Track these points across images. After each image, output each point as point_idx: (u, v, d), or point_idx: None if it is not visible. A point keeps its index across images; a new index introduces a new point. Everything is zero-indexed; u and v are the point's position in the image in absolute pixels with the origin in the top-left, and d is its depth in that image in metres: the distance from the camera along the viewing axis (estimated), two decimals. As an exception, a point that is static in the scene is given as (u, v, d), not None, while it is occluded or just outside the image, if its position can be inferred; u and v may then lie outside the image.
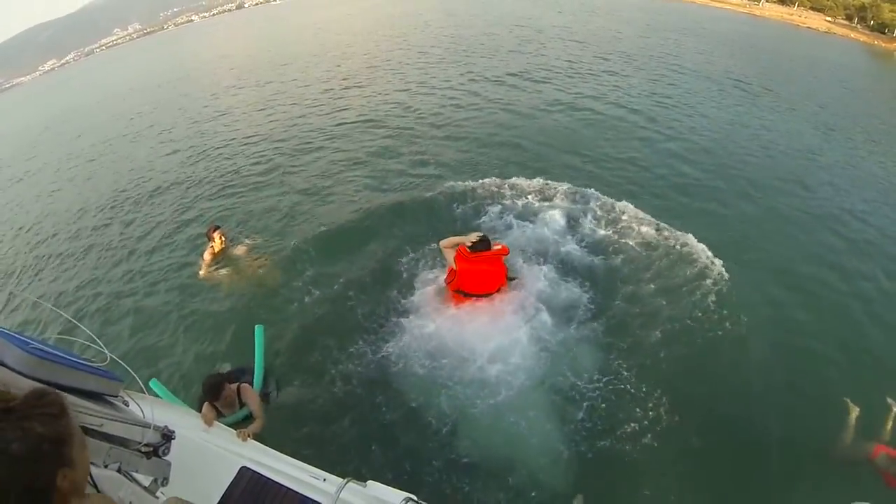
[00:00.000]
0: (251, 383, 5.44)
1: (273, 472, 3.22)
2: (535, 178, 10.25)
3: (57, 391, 1.48)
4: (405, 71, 21.31)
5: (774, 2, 57.30)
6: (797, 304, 7.42)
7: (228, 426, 4.46)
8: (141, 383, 3.78)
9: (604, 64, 20.43)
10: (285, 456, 3.37)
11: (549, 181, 10.11)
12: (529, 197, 9.70)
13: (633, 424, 5.41)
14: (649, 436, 5.33)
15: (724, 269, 7.45)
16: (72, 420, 1.44)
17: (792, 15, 51.28)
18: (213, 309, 7.63)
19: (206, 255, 8.14)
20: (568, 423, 5.50)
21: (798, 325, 7.07)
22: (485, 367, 6.06)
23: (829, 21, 50.02)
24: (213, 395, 4.85)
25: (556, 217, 8.81)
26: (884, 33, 46.30)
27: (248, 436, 3.55)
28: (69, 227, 12.88)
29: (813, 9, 54.62)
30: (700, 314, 6.84)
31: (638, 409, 5.58)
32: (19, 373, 1.86)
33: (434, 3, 49.86)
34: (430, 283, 7.52)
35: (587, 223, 8.78)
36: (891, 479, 4.90)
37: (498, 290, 7.00)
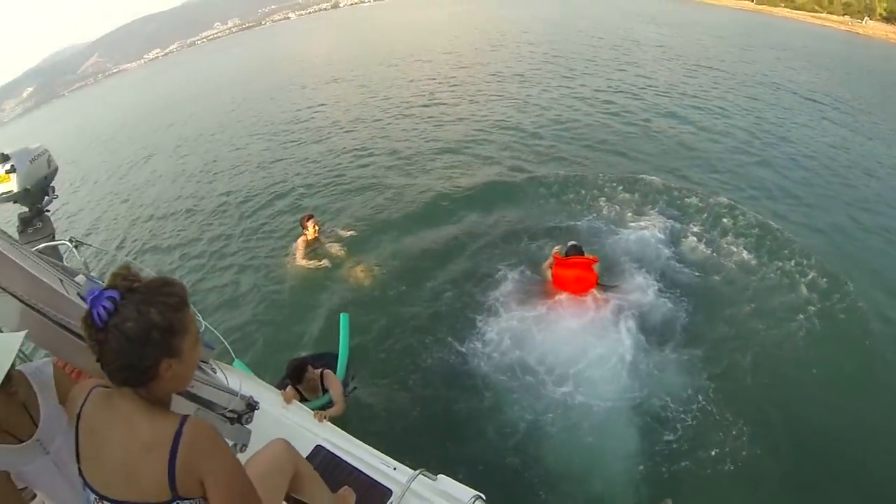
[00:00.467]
0: (334, 370, 5.51)
1: (346, 454, 3.25)
2: (637, 186, 10.25)
3: (183, 284, 1.54)
4: (506, 77, 21.33)
5: (879, 20, 54.06)
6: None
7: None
8: (232, 353, 4.02)
9: (708, 79, 19.99)
10: (359, 441, 3.39)
11: (651, 191, 10.00)
12: (632, 205, 9.64)
13: (714, 450, 5.21)
14: (730, 464, 5.11)
15: (828, 297, 7.14)
16: (189, 315, 1.51)
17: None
18: (299, 295, 7.78)
19: (299, 243, 8.26)
20: (648, 440, 5.34)
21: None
22: (569, 373, 5.97)
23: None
24: (297, 378, 4.94)
25: (657, 228, 8.67)
26: None
27: (325, 417, 3.64)
28: (170, 203, 13.54)
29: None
30: (801, 343, 6.50)
31: (721, 435, 5.36)
32: None
33: (531, 11, 49.49)
34: (520, 285, 7.51)
35: (689, 237, 8.63)
36: None
37: (589, 294, 7.05)
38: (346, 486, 2.97)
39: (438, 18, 56.81)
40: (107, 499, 1.47)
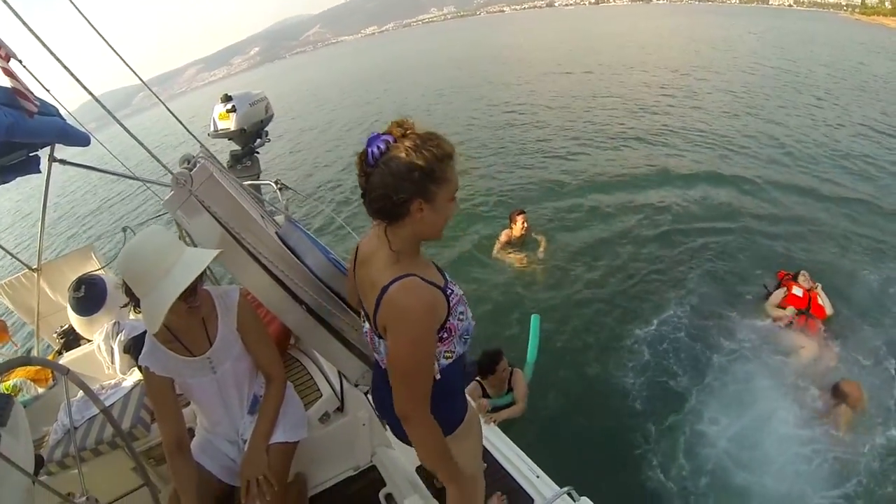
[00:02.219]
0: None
1: (496, 451, 3.23)
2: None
3: (451, 143, 1.62)
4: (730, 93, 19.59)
5: None
6: None
7: (493, 409, 4.59)
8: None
9: None
10: (512, 443, 3.36)
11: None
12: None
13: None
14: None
15: None
16: (451, 169, 1.59)
17: None
18: (489, 289, 7.53)
19: (502, 236, 8.02)
20: None
21: None
22: (777, 411, 5.39)
23: None
24: (490, 369, 4.75)
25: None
26: None
27: (495, 421, 3.44)
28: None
29: None
30: None
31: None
32: (313, 273, 2.07)
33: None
34: (732, 305, 6.96)
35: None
36: None
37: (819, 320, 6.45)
38: (499, 493, 2.96)
39: (662, 28, 55.05)
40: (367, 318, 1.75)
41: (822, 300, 6.55)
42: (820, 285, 6.69)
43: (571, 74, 25.71)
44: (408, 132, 1.55)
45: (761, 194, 10.40)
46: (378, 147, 1.53)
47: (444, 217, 1.67)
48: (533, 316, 5.89)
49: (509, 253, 7.96)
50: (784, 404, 5.57)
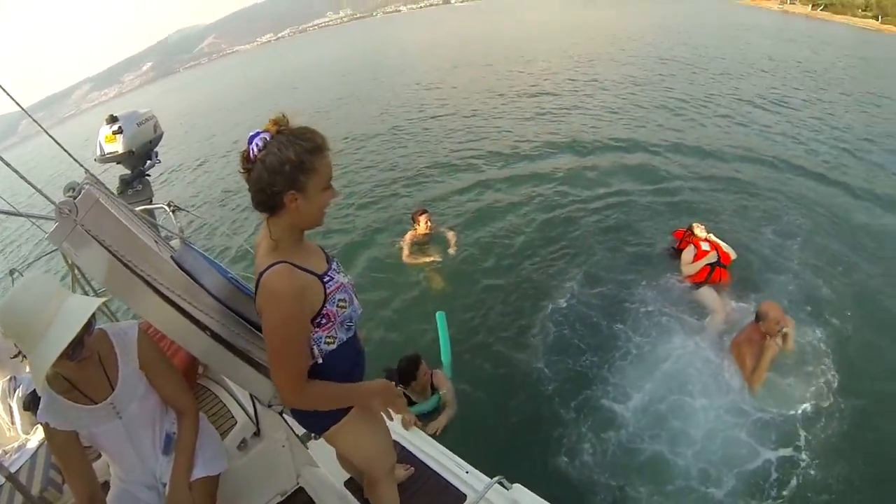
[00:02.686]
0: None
1: (422, 452, 3.24)
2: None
3: (323, 136, 1.72)
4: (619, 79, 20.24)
5: None
6: None
7: (420, 416, 4.48)
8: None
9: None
10: (436, 441, 3.37)
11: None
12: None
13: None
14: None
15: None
16: (322, 160, 1.69)
17: None
18: (399, 293, 7.34)
19: (407, 238, 7.80)
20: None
21: None
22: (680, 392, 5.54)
23: None
24: (410, 376, 4.65)
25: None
26: None
27: (437, 431, 3.42)
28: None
29: None
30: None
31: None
32: (213, 295, 2.00)
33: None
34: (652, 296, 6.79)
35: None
36: None
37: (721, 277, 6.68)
38: (405, 465, 3.11)
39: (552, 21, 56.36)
40: None
41: (725, 247, 6.91)
42: (713, 234, 7.09)
43: (468, 69, 26.24)
44: (282, 128, 1.65)
45: (651, 163, 10.89)
46: (256, 144, 1.62)
47: (319, 206, 1.76)
48: (438, 314, 5.87)
49: (418, 254, 7.83)
50: (707, 363, 5.75)
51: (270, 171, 1.60)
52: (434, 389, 4.88)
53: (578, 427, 5.01)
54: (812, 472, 4.74)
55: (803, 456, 4.90)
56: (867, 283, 7.38)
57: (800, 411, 5.33)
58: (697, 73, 21.00)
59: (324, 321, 1.82)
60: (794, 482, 4.72)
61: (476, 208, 9.68)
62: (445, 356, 5.51)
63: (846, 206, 9.78)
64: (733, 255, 6.88)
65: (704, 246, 6.77)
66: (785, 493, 4.62)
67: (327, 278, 1.83)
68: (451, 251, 7.79)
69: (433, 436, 4.25)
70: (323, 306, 1.80)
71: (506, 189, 10.50)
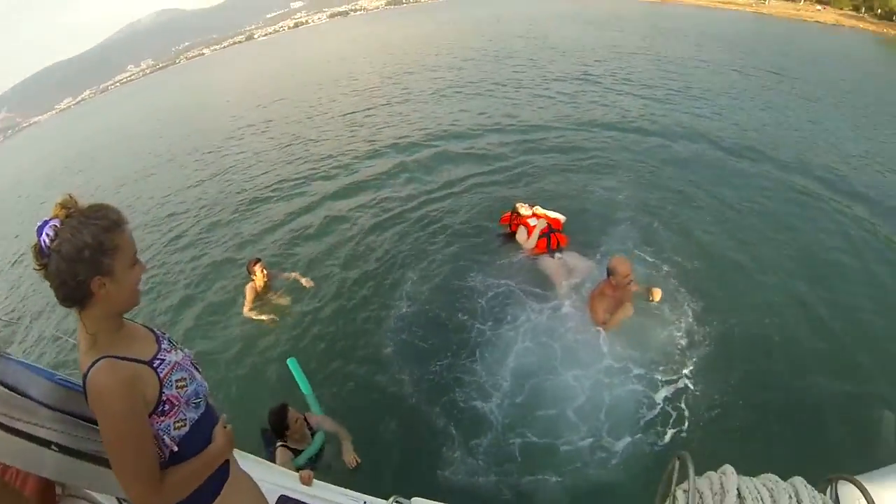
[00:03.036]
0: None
1: (314, 498, 3.13)
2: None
3: (117, 210, 1.64)
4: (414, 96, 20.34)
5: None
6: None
7: (309, 461, 4.51)
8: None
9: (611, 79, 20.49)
10: (324, 483, 3.29)
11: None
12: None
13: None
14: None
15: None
16: (122, 236, 1.61)
17: (799, 10, 50.73)
18: (250, 346, 7.09)
19: (248, 292, 7.47)
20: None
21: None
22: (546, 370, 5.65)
23: (838, 13, 49.37)
24: (282, 427, 4.50)
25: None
26: (892, 20, 45.59)
27: (311, 479, 3.36)
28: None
29: (819, 1, 53.86)
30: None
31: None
32: (45, 405, 1.85)
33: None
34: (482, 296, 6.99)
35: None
36: None
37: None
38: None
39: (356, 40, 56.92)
40: None
41: (552, 214, 7.48)
42: (538, 206, 7.61)
43: (281, 102, 26.48)
44: (72, 211, 1.54)
45: (471, 152, 12.10)
46: (47, 234, 1.50)
47: (131, 285, 1.67)
48: (288, 361, 5.77)
49: (262, 306, 7.56)
50: (568, 329, 6.11)
51: (69, 261, 1.49)
52: (313, 431, 4.82)
53: (452, 431, 5.18)
54: (697, 395, 5.30)
55: (684, 385, 5.44)
56: (691, 220, 8.47)
57: (672, 347, 5.86)
58: (501, 61, 22.48)
59: (167, 408, 1.70)
60: (682, 410, 5.21)
61: (304, 235, 9.68)
62: (310, 397, 5.42)
63: (659, 154, 11.00)
64: (563, 219, 7.50)
65: (532, 221, 7.31)
66: (677, 421, 5.11)
67: (157, 362, 1.73)
68: (304, 283, 7.60)
69: (355, 467, 4.61)
70: (161, 393, 1.69)
71: (330, 208, 10.61)
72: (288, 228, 10.27)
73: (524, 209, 7.49)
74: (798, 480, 1.61)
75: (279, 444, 4.49)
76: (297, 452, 4.52)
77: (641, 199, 9.08)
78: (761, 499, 1.52)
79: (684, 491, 1.55)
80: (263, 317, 7.35)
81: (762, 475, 1.63)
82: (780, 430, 5.01)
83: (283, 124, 20.49)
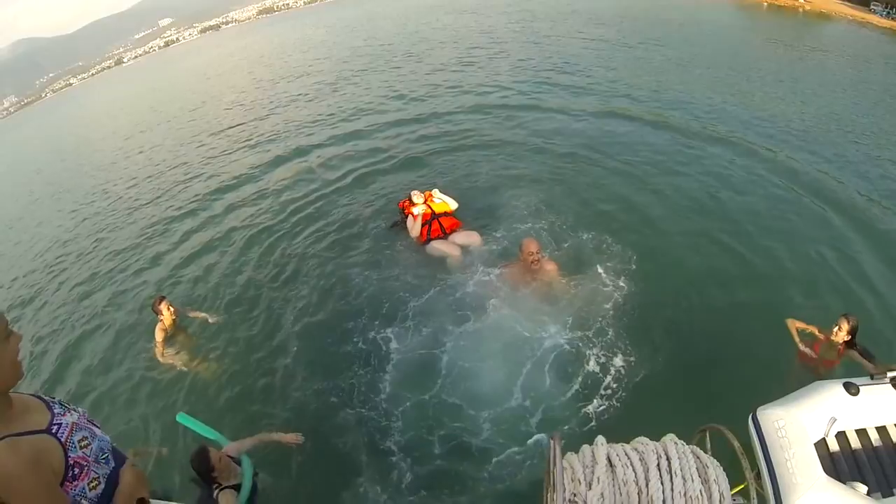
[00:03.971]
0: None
1: None
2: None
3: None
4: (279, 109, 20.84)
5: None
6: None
7: (252, 496, 4.45)
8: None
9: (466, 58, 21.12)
10: None
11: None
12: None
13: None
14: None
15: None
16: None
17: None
18: (170, 398, 6.72)
19: (158, 333, 7.08)
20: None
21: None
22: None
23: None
24: (207, 469, 4.32)
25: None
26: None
27: None
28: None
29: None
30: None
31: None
32: None
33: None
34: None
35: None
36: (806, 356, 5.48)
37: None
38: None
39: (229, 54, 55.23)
40: None
41: (442, 204, 7.84)
42: (436, 189, 8.00)
43: (162, 126, 26.18)
44: None
45: (359, 147, 12.70)
46: None
47: (9, 360, 1.63)
48: (177, 417, 5.32)
49: (175, 347, 7.31)
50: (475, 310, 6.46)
51: None
52: (238, 463, 4.70)
53: (369, 455, 5.32)
54: (630, 359, 5.73)
55: (617, 348, 5.85)
56: (579, 183, 9.01)
57: (600, 317, 6.24)
58: (380, 58, 22.82)
59: (77, 471, 1.68)
60: (615, 372, 5.63)
61: (197, 264, 9.62)
62: (216, 438, 5.14)
63: (543, 127, 11.55)
64: (454, 205, 7.91)
65: (416, 210, 7.64)
66: (613, 384, 5.52)
67: (55, 427, 1.69)
68: (212, 321, 7.52)
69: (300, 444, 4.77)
70: (66, 457, 1.65)
71: (218, 232, 10.65)
72: (177, 258, 10.17)
73: (416, 197, 7.75)
74: (668, 438, 1.77)
75: (216, 488, 4.39)
76: (236, 487, 4.42)
77: (534, 171, 9.57)
78: (630, 463, 1.65)
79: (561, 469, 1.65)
80: (178, 362, 7.10)
81: (636, 439, 1.81)
82: (696, 381, 5.50)
83: (163, 151, 20.20)
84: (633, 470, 1.63)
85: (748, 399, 4.19)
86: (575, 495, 1.59)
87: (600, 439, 1.75)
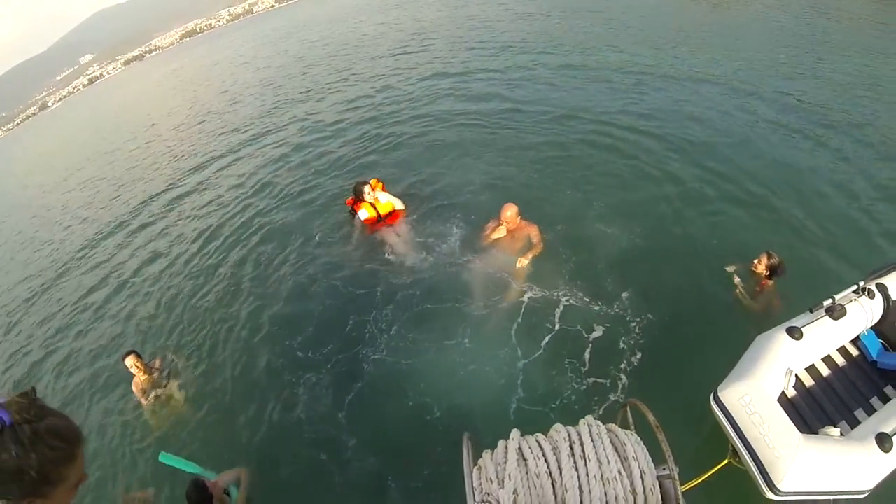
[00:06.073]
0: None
1: None
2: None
3: (78, 430, 1.46)
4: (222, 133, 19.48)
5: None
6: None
7: None
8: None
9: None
10: None
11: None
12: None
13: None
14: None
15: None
16: (73, 465, 1.43)
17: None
18: (145, 440, 6.50)
19: (135, 390, 6.85)
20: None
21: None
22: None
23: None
24: (209, 499, 4.39)
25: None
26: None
27: None
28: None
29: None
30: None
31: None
32: None
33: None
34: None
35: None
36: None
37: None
38: None
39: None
40: None
41: (387, 198, 7.66)
42: (381, 184, 7.75)
43: (83, 171, 24.87)
44: (28, 418, 1.32)
45: (293, 158, 12.43)
46: None
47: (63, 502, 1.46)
48: (160, 457, 5.14)
49: (158, 400, 6.87)
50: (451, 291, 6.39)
51: (6, 475, 1.29)
52: (227, 493, 4.79)
53: (358, 476, 5.09)
54: (619, 332, 5.59)
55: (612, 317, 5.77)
56: (538, 159, 9.08)
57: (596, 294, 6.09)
58: (312, 67, 22.71)
59: None
60: (605, 343, 5.53)
61: (156, 302, 9.05)
62: (201, 473, 5.09)
63: (485, 111, 11.43)
64: (399, 206, 7.76)
65: (362, 213, 7.57)
66: (606, 353, 5.42)
67: None
68: (181, 364, 7.21)
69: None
70: None
71: (169, 255, 10.36)
72: (138, 299, 9.55)
73: (369, 195, 7.54)
74: (583, 421, 1.77)
75: None
76: None
77: (484, 163, 9.47)
78: (543, 454, 1.64)
79: (472, 470, 1.67)
80: (156, 404, 6.78)
81: (553, 426, 1.79)
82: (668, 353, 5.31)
83: (106, 184, 19.43)
84: (546, 461, 1.64)
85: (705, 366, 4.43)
86: (488, 495, 1.60)
87: (514, 433, 1.74)
